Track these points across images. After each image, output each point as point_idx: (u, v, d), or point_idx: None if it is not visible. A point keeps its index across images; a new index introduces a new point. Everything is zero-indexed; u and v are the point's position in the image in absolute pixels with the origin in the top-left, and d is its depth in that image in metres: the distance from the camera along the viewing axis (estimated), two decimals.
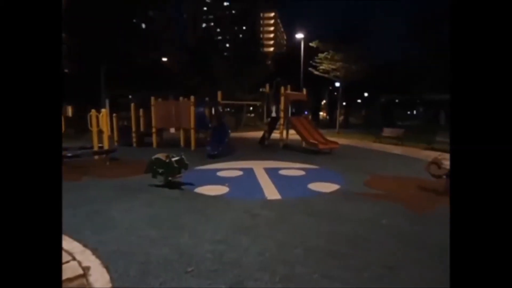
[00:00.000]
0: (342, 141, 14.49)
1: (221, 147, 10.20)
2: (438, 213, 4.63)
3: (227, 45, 75.70)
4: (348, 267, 2.97)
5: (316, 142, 11.13)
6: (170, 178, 5.87)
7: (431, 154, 9.88)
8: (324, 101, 44.30)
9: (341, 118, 30.37)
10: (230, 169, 7.89)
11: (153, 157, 5.87)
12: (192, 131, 11.99)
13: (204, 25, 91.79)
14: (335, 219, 4.30)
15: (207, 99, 15.19)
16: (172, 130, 13.08)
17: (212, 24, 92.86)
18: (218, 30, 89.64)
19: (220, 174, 7.29)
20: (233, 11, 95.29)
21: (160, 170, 5.79)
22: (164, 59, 31.23)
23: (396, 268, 2.97)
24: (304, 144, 11.82)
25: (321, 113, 47.30)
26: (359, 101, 43.09)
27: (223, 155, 9.87)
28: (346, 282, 2.71)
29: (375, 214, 4.53)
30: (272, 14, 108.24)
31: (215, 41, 53.97)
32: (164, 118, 12.48)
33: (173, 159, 5.92)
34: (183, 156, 6.14)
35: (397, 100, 40.79)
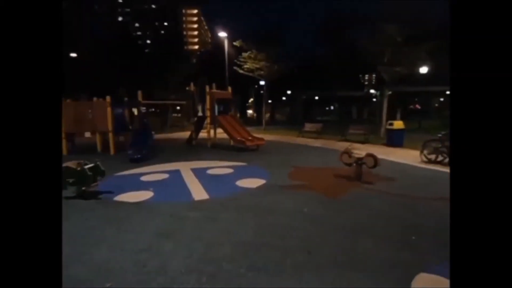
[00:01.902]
0: (268, 137, 15.11)
1: (145, 150, 9.61)
2: (351, 197, 5.22)
3: (148, 41, 71.40)
4: (273, 257, 3.14)
5: (243, 139, 11.36)
6: (84, 188, 5.29)
7: (345, 145, 11.07)
8: (251, 99, 45.49)
9: (267, 115, 31.66)
10: (154, 172, 7.50)
11: (62, 166, 5.20)
12: (111, 135, 11.00)
13: (120, 18, 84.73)
14: (261, 213, 4.48)
15: (126, 99, 14.10)
16: (88, 134, 11.79)
17: (129, 18, 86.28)
18: (137, 25, 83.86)
19: (144, 178, 6.87)
20: (153, 6, 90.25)
21: (71, 180, 5.17)
22: (73, 54, 27.76)
23: (315, 251, 3.25)
24: (232, 142, 11.96)
25: (249, 111, 48.49)
26: (284, 98, 45.48)
27: (147, 159, 9.32)
28: (270, 272, 2.85)
29: (297, 204, 4.87)
30: (195, 11, 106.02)
31: (133, 37, 50.28)
32: (75, 122, 11.14)
33: (86, 166, 5.34)
34: (98, 163, 5.59)
35: (316, 97, 44.39)
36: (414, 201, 4.99)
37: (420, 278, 2.71)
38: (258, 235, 3.70)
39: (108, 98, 10.84)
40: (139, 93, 12.17)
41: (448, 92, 32.75)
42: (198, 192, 5.62)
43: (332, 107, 51.10)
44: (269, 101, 38.57)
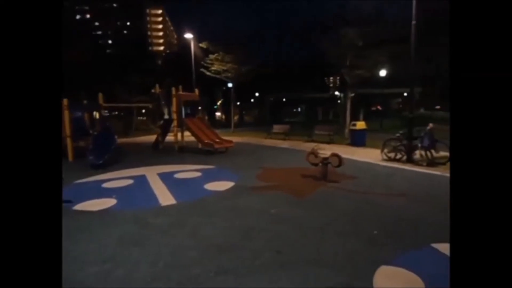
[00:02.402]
0: (237, 139, 15.10)
1: (107, 155, 9.15)
2: (317, 196, 5.38)
3: (110, 41, 68.31)
4: (242, 258, 3.13)
5: (211, 142, 11.25)
6: None
7: (312, 146, 11.38)
8: (220, 101, 45.21)
9: (236, 117, 31.64)
10: (118, 178, 7.17)
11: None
12: (69, 140, 10.34)
13: (78, 16, 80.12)
14: (230, 215, 4.46)
15: (85, 102, 13.33)
16: None
17: (88, 16, 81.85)
18: (97, 24, 79.81)
19: (106, 185, 6.54)
20: (114, 4, 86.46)
21: None
22: None
23: (283, 250, 3.30)
24: (200, 145, 11.79)
25: (218, 113, 48.13)
26: (252, 100, 45.77)
27: (109, 164, 8.88)
28: (240, 274, 2.85)
29: (266, 204, 4.91)
30: (160, 11, 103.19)
31: (93, 36, 47.80)
32: None
33: None
34: None
35: (284, 99, 45.21)
36: (376, 197, 5.26)
37: (382, 271, 2.86)
38: (227, 237, 3.68)
39: (65, 101, 10.19)
40: (100, 95, 11.58)
41: (405, 94, 34.96)
42: (165, 197, 5.47)
43: (299, 109, 52.32)
44: (238, 103, 38.60)
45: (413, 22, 8.24)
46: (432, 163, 7.85)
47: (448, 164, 7.69)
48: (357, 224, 4.07)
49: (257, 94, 42.79)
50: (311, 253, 3.24)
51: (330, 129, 14.01)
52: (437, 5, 20.65)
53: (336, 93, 40.08)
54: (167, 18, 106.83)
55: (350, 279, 2.74)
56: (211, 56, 20.49)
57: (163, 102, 12.98)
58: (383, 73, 19.20)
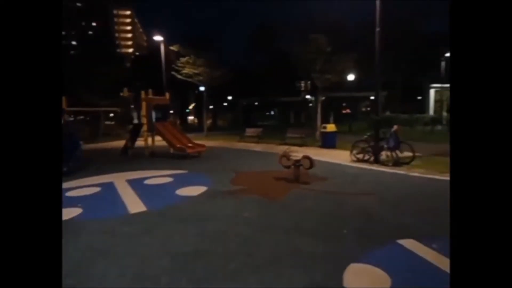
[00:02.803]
0: (210, 143, 14.95)
1: (71, 162, 8.68)
2: (289, 198, 5.45)
3: (74, 42, 65.14)
4: (214, 264, 3.09)
5: (183, 146, 11.04)
6: None
7: (284, 148, 11.53)
8: (192, 105, 44.57)
9: (209, 121, 31.36)
10: (84, 186, 6.81)
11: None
12: None
13: None
14: (202, 221, 4.39)
15: None
16: None
17: None
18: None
19: (71, 194, 6.19)
20: (78, 4, 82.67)
21: None
22: None
23: (255, 254, 3.30)
24: (171, 150, 11.52)
25: (191, 117, 47.39)
26: (225, 104, 45.56)
27: (74, 172, 8.42)
28: (212, 280, 2.80)
29: (239, 208, 4.89)
30: (128, 12, 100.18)
31: None
32: None
33: None
34: None
35: (256, 103, 45.45)
36: (345, 197, 5.43)
37: (351, 269, 2.94)
38: (199, 243, 3.62)
39: None
40: (63, 99, 10.96)
41: (372, 98, 36.52)
42: (134, 205, 5.27)
43: (272, 112, 52.83)
44: (211, 107, 38.27)
45: (377, 29, 8.66)
46: (397, 163, 8.25)
47: (412, 163, 8.13)
48: (327, 224, 4.17)
49: (230, 98, 42.68)
50: (283, 254, 3.26)
51: (302, 132, 14.29)
52: (400, 13, 21.87)
53: (308, 96, 41.02)
54: (136, 20, 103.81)
55: (322, 278, 2.79)
56: (182, 59, 20.18)
57: (132, 106, 12.56)
58: (351, 77, 19.96)
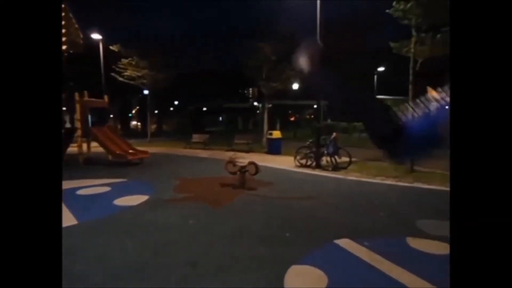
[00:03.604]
0: (154, 149, 14.29)
1: None
2: (235, 204, 5.45)
3: None
4: (156, 277, 2.93)
5: (123, 153, 10.36)
6: None
7: (230, 154, 11.55)
8: (136, 109, 42.16)
9: (154, 126, 30.00)
10: None
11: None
12: None
13: None
14: (143, 232, 4.15)
15: None
16: None
17: None
18: None
19: None
20: None
21: None
22: None
23: (200, 262, 3.22)
24: (110, 157, 10.73)
25: (134, 122, 44.74)
26: (171, 109, 44.08)
27: None
28: None
29: (183, 217, 4.74)
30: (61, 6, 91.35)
31: None
32: None
33: None
34: None
35: (205, 108, 44.90)
36: (289, 202, 5.63)
37: (292, 270, 3.05)
38: (139, 256, 3.41)
39: None
40: None
41: (315, 106, 38.73)
42: (64, 218, 4.75)
43: (221, 118, 52.72)
44: (156, 111, 36.66)
45: (318, 42, 9.24)
46: (336, 168, 8.84)
47: (349, 167, 8.77)
48: (271, 228, 4.26)
49: (176, 103, 41.46)
50: (228, 261, 3.24)
51: (249, 138, 14.50)
52: (341, 27, 23.77)
53: (255, 103, 41.87)
54: (70, 15, 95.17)
55: (266, 283, 2.83)
56: (124, 61, 19.03)
57: (64, 109, 11.42)
58: (295, 86, 20.93)
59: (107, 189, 6.81)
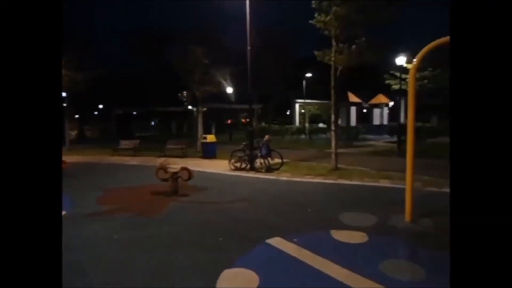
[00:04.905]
0: (74, 158, 12.83)
1: None
2: (167, 212, 5.22)
3: None
4: None
5: None
6: None
7: (161, 161, 11.03)
8: None
9: (74, 133, 26.95)
10: None
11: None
12: None
13: None
14: None
15: None
16: None
17: None
18: None
19: None
20: None
21: None
22: None
23: (126, 281, 2.98)
24: None
25: None
26: (96, 113, 40.22)
27: None
28: None
29: (107, 231, 4.33)
30: None
31: None
32: None
33: None
34: None
35: (135, 112, 42.01)
36: (223, 206, 5.61)
37: (225, 275, 3.03)
38: None
39: None
40: None
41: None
42: None
43: (153, 123, 49.98)
44: (76, 116, 32.93)
45: (248, 48, 9.49)
46: (269, 169, 9.14)
47: (281, 168, 9.16)
48: (204, 233, 4.19)
49: (101, 106, 37.97)
50: (158, 273, 3.08)
51: (183, 143, 14.06)
52: (272, 38, 24.78)
53: (190, 107, 40.85)
54: None
55: None
56: None
57: None
58: (229, 90, 21.10)
59: None
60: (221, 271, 3.07)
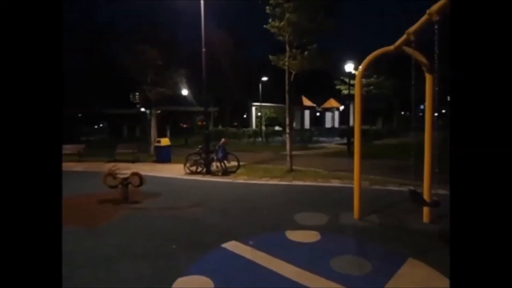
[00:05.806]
0: None
1: None
2: (115, 222, 4.88)
3: None
4: None
5: None
6: None
7: (111, 166, 10.34)
8: None
9: None
10: None
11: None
12: None
13: None
14: None
15: None
16: None
17: None
18: None
19: None
20: None
21: None
22: None
23: None
24: None
25: None
26: None
27: None
28: None
29: None
30: None
31: None
32: None
33: None
34: None
35: (80, 114, 38.91)
36: (176, 212, 5.42)
37: (178, 283, 2.91)
38: None
39: None
40: None
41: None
42: None
43: (101, 125, 46.77)
44: None
45: (203, 49, 9.35)
46: (225, 172, 9.07)
47: (238, 171, 9.15)
48: (156, 242, 3.99)
49: None
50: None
51: (134, 147, 13.35)
52: (228, 43, 24.79)
53: (142, 109, 38.99)
54: None
55: None
56: None
57: None
58: (185, 92, 20.58)
59: None
60: (173, 281, 2.94)
